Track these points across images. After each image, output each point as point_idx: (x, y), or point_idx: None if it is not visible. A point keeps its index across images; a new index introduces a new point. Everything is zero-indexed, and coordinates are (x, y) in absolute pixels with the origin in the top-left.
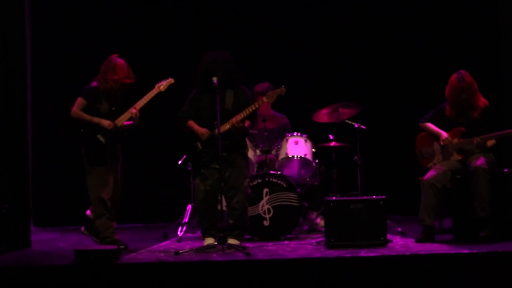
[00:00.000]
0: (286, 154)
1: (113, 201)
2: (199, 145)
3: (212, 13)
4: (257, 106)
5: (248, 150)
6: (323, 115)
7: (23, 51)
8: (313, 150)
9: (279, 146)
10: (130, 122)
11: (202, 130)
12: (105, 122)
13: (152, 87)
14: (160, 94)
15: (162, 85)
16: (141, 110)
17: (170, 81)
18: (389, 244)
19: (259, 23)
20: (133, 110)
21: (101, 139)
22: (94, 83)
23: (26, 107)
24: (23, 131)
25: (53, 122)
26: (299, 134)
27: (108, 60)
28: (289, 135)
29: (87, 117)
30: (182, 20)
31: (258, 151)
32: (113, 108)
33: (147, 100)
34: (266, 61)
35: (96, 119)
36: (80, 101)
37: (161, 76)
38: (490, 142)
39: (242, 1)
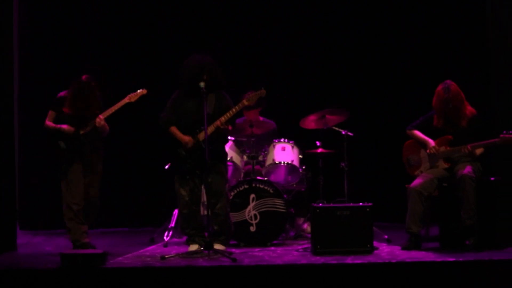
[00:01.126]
0: (273, 160)
1: (86, 204)
2: (182, 151)
3: (200, 19)
4: (238, 109)
5: (229, 155)
6: (310, 122)
7: (10, 51)
8: (300, 156)
9: (266, 152)
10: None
11: (186, 139)
12: (66, 129)
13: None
14: (144, 97)
15: (133, 95)
16: (128, 114)
17: (143, 92)
18: (375, 251)
19: (247, 29)
20: (97, 119)
21: (62, 145)
22: (63, 93)
23: (13, 109)
24: (9, 133)
25: (39, 124)
26: (286, 140)
27: (79, 85)
28: (276, 141)
29: (55, 126)
30: (167, 23)
31: (245, 157)
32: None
33: (115, 109)
34: (253, 68)
35: (58, 126)
36: (50, 113)
37: (140, 83)
38: (479, 151)
39: (229, 7)
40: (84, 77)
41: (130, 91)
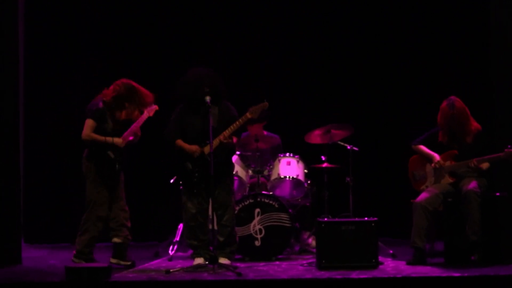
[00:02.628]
0: (278, 174)
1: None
2: (189, 165)
3: (204, 33)
4: (241, 121)
5: (234, 169)
6: (315, 136)
7: (15, 51)
8: (305, 171)
9: (271, 167)
10: (131, 138)
11: (192, 148)
12: (118, 140)
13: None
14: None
15: (151, 110)
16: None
17: (155, 108)
18: (381, 266)
19: (252, 44)
20: (137, 134)
21: (111, 155)
22: (97, 101)
23: (18, 122)
24: (14, 147)
25: (45, 138)
26: (291, 155)
27: (127, 87)
28: (282, 155)
29: (101, 138)
30: (172, 36)
31: (250, 171)
32: (117, 127)
33: (140, 124)
34: (258, 82)
35: (110, 139)
36: (90, 124)
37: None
38: (485, 165)
39: (233, 20)
40: (124, 80)
41: None
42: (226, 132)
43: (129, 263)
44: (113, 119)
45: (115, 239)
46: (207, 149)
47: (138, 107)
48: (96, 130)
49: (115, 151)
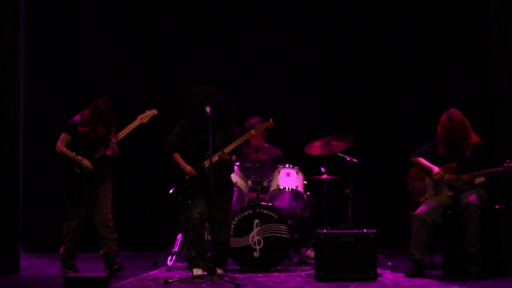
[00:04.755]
0: (278, 185)
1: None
2: (186, 176)
3: (204, 45)
4: (245, 138)
5: (234, 180)
6: (315, 148)
7: (16, 52)
8: (305, 182)
9: (270, 178)
10: (109, 153)
11: (188, 169)
12: (86, 163)
13: (135, 118)
14: (149, 122)
15: (144, 116)
16: (131, 139)
17: (153, 112)
18: (379, 278)
19: (251, 56)
20: (111, 144)
21: (77, 170)
22: (77, 117)
23: (18, 132)
24: (13, 156)
25: (43, 147)
26: (291, 166)
27: (95, 107)
28: (281, 166)
29: (70, 154)
30: (171, 47)
31: (249, 182)
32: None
33: (128, 132)
34: (258, 94)
35: (79, 158)
36: (64, 137)
37: (147, 105)
38: (479, 180)
39: (231, 33)
40: (100, 101)
41: (135, 111)
42: (227, 149)
43: (115, 266)
44: (84, 135)
45: (100, 252)
46: (207, 163)
47: (104, 126)
48: (69, 144)
49: (81, 168)
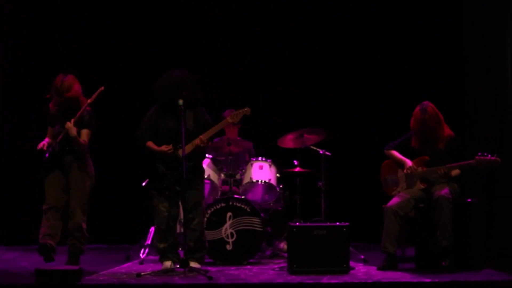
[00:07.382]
0: (251, 178)
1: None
2: (161, 166)
3: (182, 35)
4: (221, 126)
5: (206, 173)
6: (288, 141)
7: None
8: (278, 175)
9: (243, 171)
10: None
11: (163, 148)
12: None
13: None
14: (119, 113)
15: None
16: (104, 130)
17: (100, 89)
18: (352, 271)
19: (225, 47)
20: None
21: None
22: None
23: None
24: None
25: (19, 140)
26: (263, 159)
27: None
28: (254, 159)
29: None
30: (148, 37)
31: (222, 175)
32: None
33: (78, 115)
34: (231, 86)
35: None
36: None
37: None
38: (455, 172)
39: (207, 24)
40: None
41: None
42: (204, 136)
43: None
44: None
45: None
46: (181, 152)
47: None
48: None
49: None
